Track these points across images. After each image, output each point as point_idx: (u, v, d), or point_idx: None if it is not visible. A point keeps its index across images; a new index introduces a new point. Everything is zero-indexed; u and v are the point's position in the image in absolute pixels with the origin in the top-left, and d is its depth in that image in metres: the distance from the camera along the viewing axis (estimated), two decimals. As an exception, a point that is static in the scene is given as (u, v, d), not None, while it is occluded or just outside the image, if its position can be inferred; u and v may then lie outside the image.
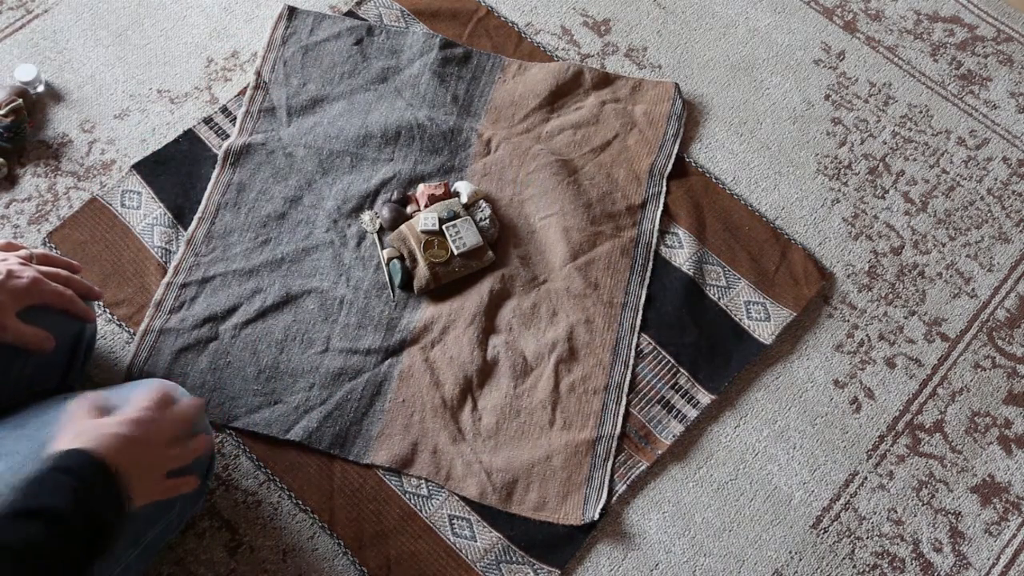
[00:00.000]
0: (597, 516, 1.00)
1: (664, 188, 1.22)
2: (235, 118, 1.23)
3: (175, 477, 0.78)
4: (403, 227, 1.13)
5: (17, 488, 0.65)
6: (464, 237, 1.12)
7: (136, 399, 0.77)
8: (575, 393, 1.07)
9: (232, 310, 1.09)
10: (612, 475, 1.04)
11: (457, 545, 1.00)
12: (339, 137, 1.21)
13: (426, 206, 1.15)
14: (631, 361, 1.10)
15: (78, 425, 0.73)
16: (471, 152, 1.23)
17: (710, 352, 1.13)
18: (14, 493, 0.65)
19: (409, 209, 1.17)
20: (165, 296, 1.10)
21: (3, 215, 1.16)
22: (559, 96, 1.28)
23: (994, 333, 1.18)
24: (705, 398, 1.10)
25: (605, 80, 1.30)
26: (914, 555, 1.05)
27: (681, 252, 1.19)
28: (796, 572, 1.03)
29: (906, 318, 1.18)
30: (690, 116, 1.31)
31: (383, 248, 1.14)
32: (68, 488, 0.65)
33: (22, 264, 0.82)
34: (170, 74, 1.28)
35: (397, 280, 1.11)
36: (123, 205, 1.16)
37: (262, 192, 1.17)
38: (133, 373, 1.05)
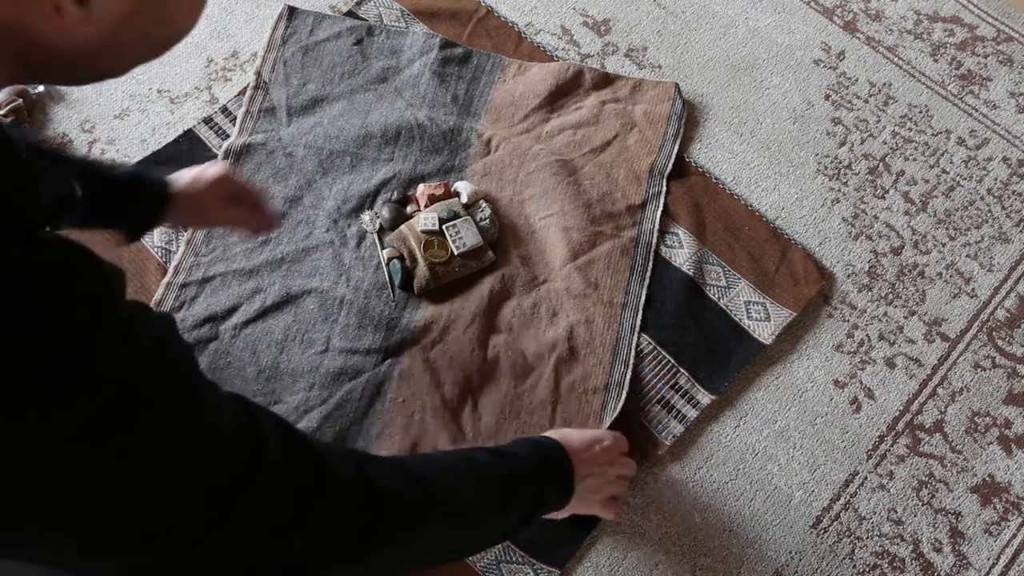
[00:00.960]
0: None
1: (664, 188, 1.22)
2: (235, 118, 1.23)
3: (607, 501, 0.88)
4: (403, 227, 1.13)
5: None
6: (464, 237, 1.12)
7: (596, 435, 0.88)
8: (575, 393, 1.07)
9: (232, 310, 1.09)
10: None
11: (457, 545, 1.00)
12: (339, 137, 1.21)
13: (426, 206, 1.15)
14: (631, 361, 1.10)
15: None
16: (471, 152, 1.23)
17: (710, 352, 1.13)
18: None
19: (409, 209, 1.17)
20: (165, 296, 1.10)
21: (3, 215, 1.16)
22: (559, 96, 1.28)
23: (994, 333, 1.18)
24: (705, 398, 1.10)
25: (605, 80, 1.30)
26: (914, 555, 1.05)
27: (681, 252, 1.19)
28: (796, 572, 1.03)
29: (906, 318, 1.18)
30: (690, 116, 1.31)
31: (383, 248, 1.14)
32: (534, 453, 0.76)
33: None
34: (170, 74, 1.28)
35: (397, 280, 1.11)
36: (123, 205, 1.16)
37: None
38: None
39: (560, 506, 0.82)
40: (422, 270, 1.11)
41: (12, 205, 0.42)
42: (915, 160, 1.30)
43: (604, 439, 0.87)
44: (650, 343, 1.12)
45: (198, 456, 0.46)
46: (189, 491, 0.45)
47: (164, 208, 0.91)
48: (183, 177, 0.93)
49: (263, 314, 1.09)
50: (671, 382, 1.10)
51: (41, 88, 1.23)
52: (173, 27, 0.50)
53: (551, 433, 0.86)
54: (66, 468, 0.41)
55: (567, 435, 0.85)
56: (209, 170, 0.94)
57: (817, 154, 1.29)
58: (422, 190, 1.17)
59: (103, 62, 0.48)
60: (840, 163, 1.29)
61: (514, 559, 0.99)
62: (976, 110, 1.35)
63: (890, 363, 1.15)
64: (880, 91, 1.35)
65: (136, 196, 0.89)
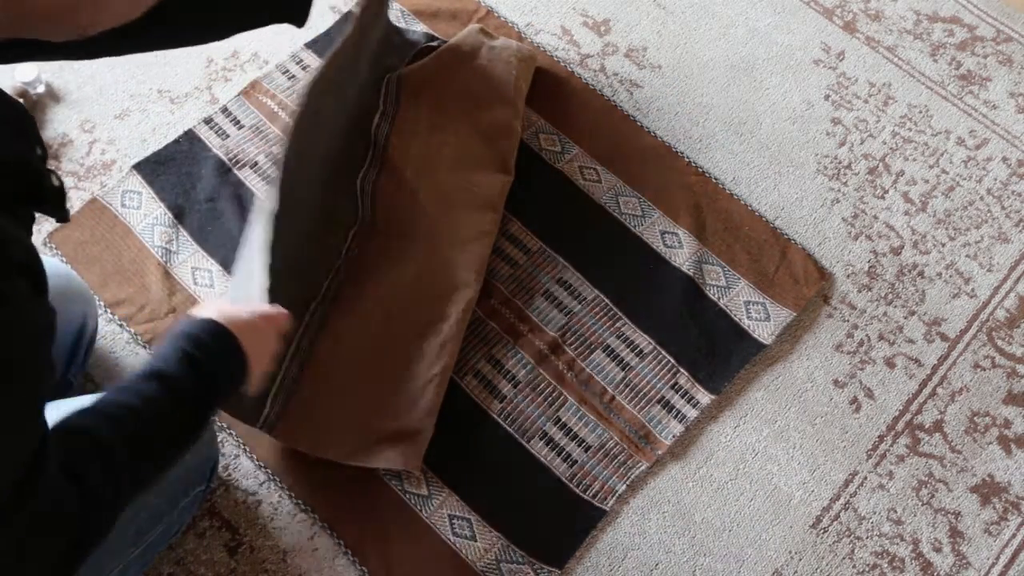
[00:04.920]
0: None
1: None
2: (235, 118, 1.23)
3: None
4: None
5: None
6: None
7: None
8: None
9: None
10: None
11: (457, 545, 1.00)
12: None
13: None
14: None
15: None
16: None
17: (710, 352, 1.13)
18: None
19: None
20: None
21: (3, 215, 1.16)
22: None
23: (994, 333, 1.18)
24: (705, 398, 1.10)
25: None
26: (914, 555, 1.05)
27: (681, 252, 1.19)
28: (796, 572, 1.03)
29: (906, 318, 1.18)
30: (689, 116, 1.31)
31: None
32: (182, 352, 0.67)
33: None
34: (170, 74, 1.28)
35: None
36: (123, 205, 1.16)
37: None
38: None
39: (241, 383, 0.76)
40: None
41: None
42: (915, 160, 1.30)
43: (265, 314, 0.79)
44: (650, 343, 1.12)
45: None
46: None
47: None
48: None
49: None
50: (671, 382, 1.10)
51: (42, 88, 1.23)
52: None
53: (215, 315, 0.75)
54: None
55: (231, 317, 0.75)
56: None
57: (817, 154, 1.29)
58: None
59: (85, 17, 0.48)
60: (840, 163, 1.29)
61: (514, 559, 0.99)
62: (976, 110, 1.35)
63: (890, 363, 1.15)
64: (880, 91, 1.35)
65: None
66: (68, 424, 0.58)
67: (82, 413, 0.60)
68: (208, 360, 0.68)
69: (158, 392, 0.64)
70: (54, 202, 0.49)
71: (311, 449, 1.01)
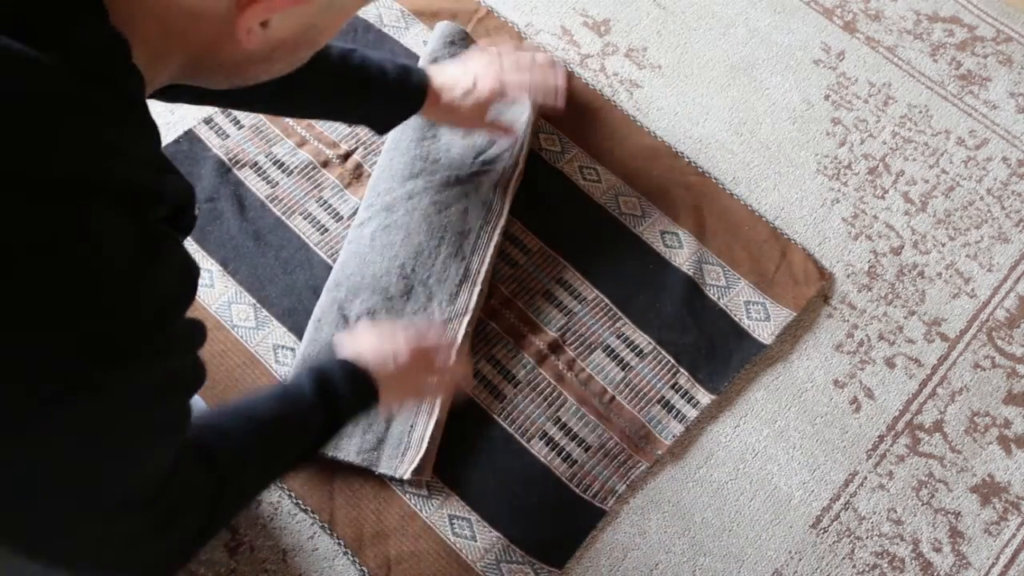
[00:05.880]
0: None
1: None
2: (235, 118, 1.23)
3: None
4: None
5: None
6: None
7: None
8: None
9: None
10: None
11: (457, 545, 1.00)
12: None
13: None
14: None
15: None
16: None
17: (710, 352, 1.13)
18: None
19: None
20: None
21: (3, 215, 1.16)
22: None
23: (994, 333, 1.18)
24: (705, 398, 1.10)
25: None
26: (914, 555, 1.05)
27: (681, 252, 1.19)
28: (796, 572, 1.03)
29: (906, 318, 1.18)
30: (689, 116, 1.31)
31: None
32: (320, 387, 0.76)
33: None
34: (170, 74, 1.28)
35: None
36: (123, 205, 1.16)
37: None
38: None
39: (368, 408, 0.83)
40: None
41: (143, 183, 0.45)
42: (915, 160, 1.30)
43: (400, 353, 0.84)
44: (650, 343, 1.12)
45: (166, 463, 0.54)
46: (149, 483, 0.53)
47: (418, 108, 1.01)
48: (454, 83, 1.02)
49: None
50: (671, 382, 1.11)
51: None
52: (314, 49, 0.55)
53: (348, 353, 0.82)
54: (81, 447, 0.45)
55: (361, 351, 0.82)
56: (482, 86, 1.02)
57: (817, 154, 1.29)
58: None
59: (253, 72, 0.53)
60: (840, 163, 1.29)
61: (514, 559, 1.00)
62: (976, 110, 1.35)
63: (890, 363, 1.15)
64: (880, 91, 1.35)
65: (399, 96, 0.99)
66: (203, 417, 0.65)
67: (213, 413, 0.69)
68: (343, 405, 0.78)
69: (290, 413, 0.74)
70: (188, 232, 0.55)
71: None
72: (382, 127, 1.03)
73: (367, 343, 0.83)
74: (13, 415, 0.40)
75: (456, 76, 1.03)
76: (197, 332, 0.52)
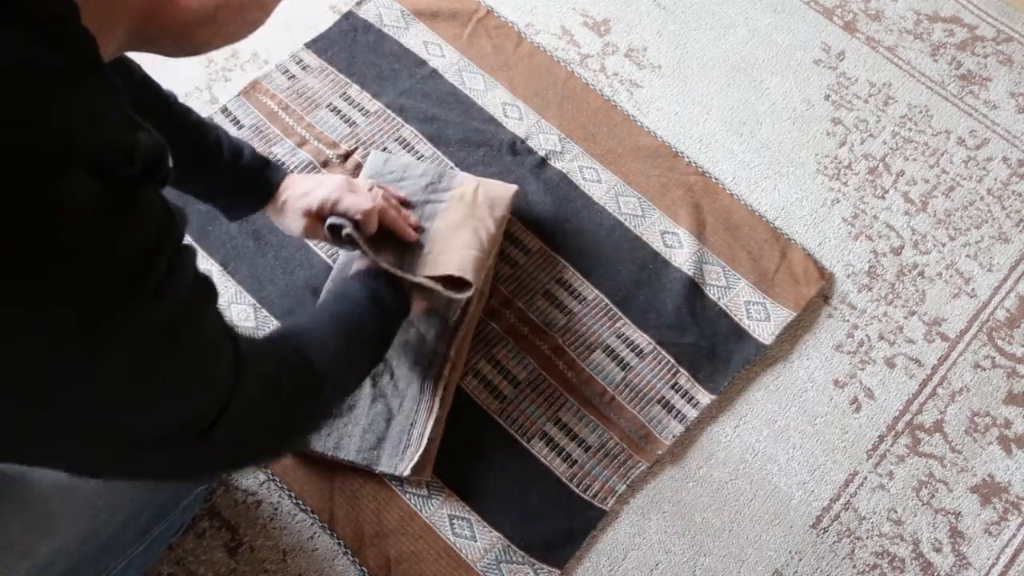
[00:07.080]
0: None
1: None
2: (235, 118, 1.23)
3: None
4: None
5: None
6: None
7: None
8: None
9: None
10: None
11: (457, 545, 1.00)
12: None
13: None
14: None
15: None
16: None
17: (710, 352, 1.13)
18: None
19: None
20: None
21: (3, 215, 1.16)
22: None
23: (994, 333, 1.18)
24: (705, 398, 1.10)
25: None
26: (914, 555, 1.05)
27: (681, 252, 1.19)
28: (796, 572, 1.03)
29: (906, 318, 1.18)
30: (689, 116, 1.31)
31: None
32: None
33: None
34: (170, 74, 1.27)
35: None
36: (123, 205, 1.16)
37: None
38: None
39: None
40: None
41: (119, 139, 0.45)
42: (915, 160, 1.30)
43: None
44: (650, 343, 1.12)
45: (217, 362, 0.55)
46: (210, 391, 0.54)
47: (263, 207, 0.97)
48: (299, 187, 0.96)
49: None
50: (671, 382, 1.10)
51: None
52: (265, 10, 0.55)
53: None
54: (122, 366, 0.46)
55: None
56: (316, 194, 0.94)
57: (817, 154, 1.29)
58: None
59: (202, 35, 0.53)
60: (840, 163, 1.29)
61: (514, 559, 0.99)
62: (976, 110, 1.35)
63: (890, 363, 1.15)
64: (880, 91, 1.35)
65: (248, 188, 0.95)
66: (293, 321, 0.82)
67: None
68: (387, 298, 0.92)
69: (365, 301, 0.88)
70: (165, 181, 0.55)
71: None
72: (229, 207, 0.96)
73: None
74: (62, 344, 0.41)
75: (304, 181, 0.96)
76: (189, 256, 0.52)
